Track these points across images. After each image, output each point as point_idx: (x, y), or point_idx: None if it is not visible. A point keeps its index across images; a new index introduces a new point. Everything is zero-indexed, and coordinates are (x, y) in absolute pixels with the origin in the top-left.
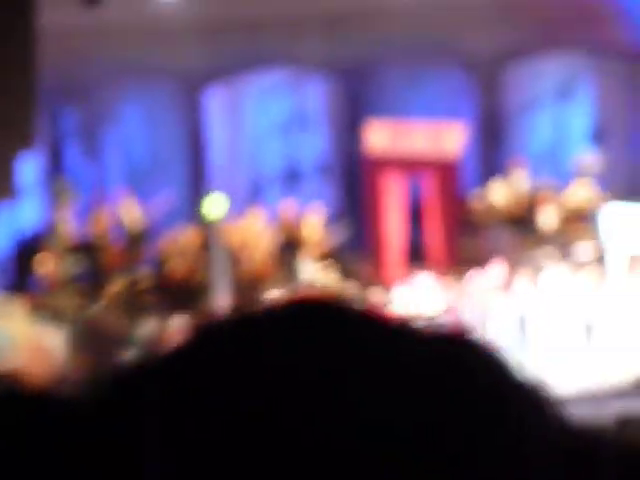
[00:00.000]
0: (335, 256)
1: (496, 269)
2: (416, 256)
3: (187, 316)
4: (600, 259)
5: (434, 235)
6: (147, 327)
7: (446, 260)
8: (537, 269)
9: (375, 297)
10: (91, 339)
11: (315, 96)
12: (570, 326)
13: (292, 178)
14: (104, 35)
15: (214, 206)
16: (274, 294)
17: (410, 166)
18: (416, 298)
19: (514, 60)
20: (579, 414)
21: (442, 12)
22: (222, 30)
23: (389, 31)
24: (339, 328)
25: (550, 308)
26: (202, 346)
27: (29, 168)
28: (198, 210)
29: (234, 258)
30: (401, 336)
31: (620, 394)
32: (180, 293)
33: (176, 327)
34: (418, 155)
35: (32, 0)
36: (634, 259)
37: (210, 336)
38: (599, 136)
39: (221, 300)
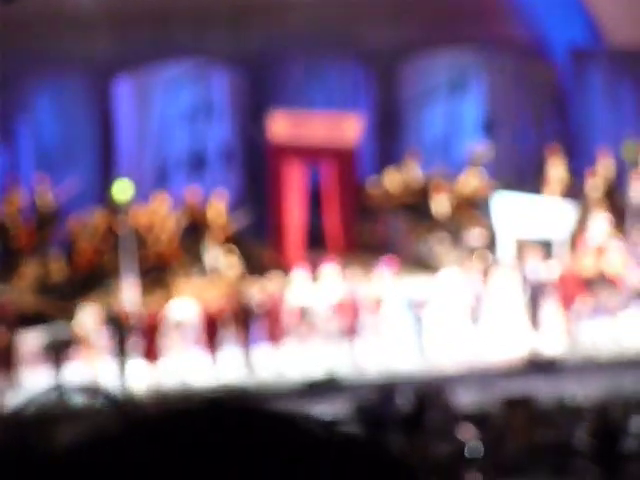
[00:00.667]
0: (237, 240)
1: (390, 259)
2: (316, 241)
3: (96, 298)
4: (490, 244)
5: (333, 220)
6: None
7: (344, 244)
8: (430, 254)
9: (275, 281)
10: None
11: (220, 86)
12: (461, 309)
13: (197, 165)
14: (18, 27)
15: (122, 190)
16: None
17: (310, 154)
18: (316, 285)
19: (410, 54)
20: (469, 393)
21: (342, 8)
22: (131, 21)
23: (292, 25)
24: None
25: (442, 292)
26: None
27: None
28: (107, 194)
29: (141, 240)
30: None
31: (508, 374)
32: (89, 274)
33: (87, 309)
34: (318, 144)
35: None
36: (521, 244)
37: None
38: (490, 127)
39: (128, 281)
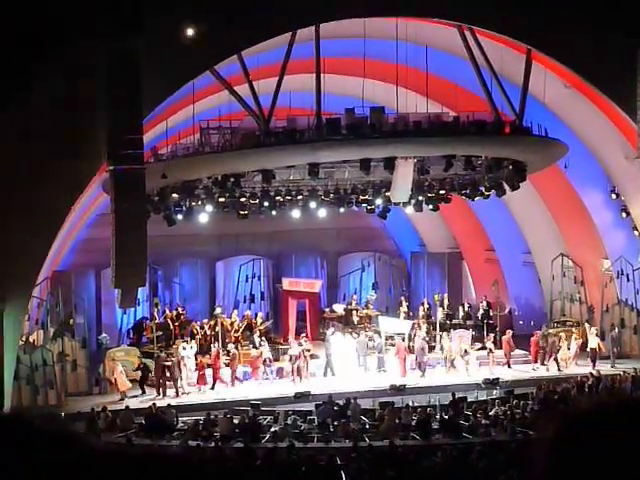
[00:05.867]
0: (267, 333)
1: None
2: (300, 333)
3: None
4: (379, 334)
5: (308, 324)
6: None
7: (313, 334)
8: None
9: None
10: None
11: (261, 267)
12: (349, 355)
13: (251, 300)
14: (174, 238)
15: (218, 310)
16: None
17: (299, 296)
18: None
19: (344, 254)
20: (366, 401)
21: (314, 232)
22: (223, 237)
23: (292, 240)
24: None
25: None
26: None
27: (142, 293)
28: (211, 312)
29: (225, 332)
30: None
31: (382, 392)
32: (202, 346)
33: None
34: (302, 291)
35: (144, 223)
36: (388, 336)
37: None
38: (375, 286)
39: (220, 349)
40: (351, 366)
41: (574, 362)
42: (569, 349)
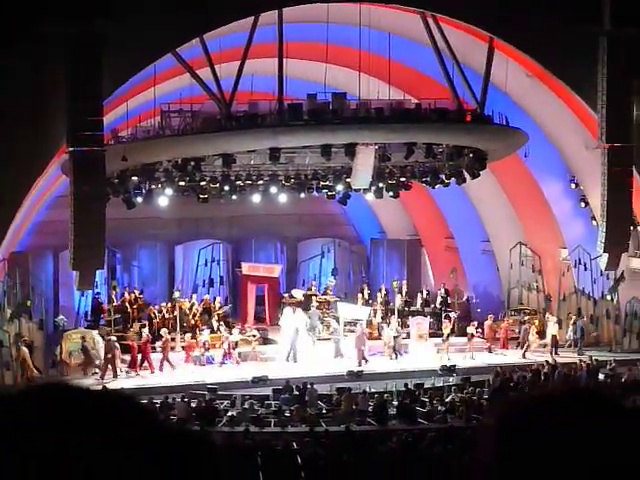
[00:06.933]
0: (225, 318)
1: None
2: (259, 318)
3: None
4: (337, 320)
5: (267, 309)
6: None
7: (271, 318)
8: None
9: (242, 333)
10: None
11: (221, 251)
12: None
13: (209, 284)
14: (133, 221)
15: (177, 293)
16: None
17: (258, 280)
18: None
19: (304, 239)
20: (322, 386)
21: (275, 218)
22: (183, 221)
23: (252, 224)
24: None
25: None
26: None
27: (100, 276)
28: (170, 295)
29: (183, 315)
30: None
31: (338, 378)
32: (158, 329)
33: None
34: (261, 276)
35: (103, 205)
36: (347, 322)
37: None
38: (335, 272)
39: (175, 335)
40: (308, 351)
41: (543, 349)
42: (539, 336)
